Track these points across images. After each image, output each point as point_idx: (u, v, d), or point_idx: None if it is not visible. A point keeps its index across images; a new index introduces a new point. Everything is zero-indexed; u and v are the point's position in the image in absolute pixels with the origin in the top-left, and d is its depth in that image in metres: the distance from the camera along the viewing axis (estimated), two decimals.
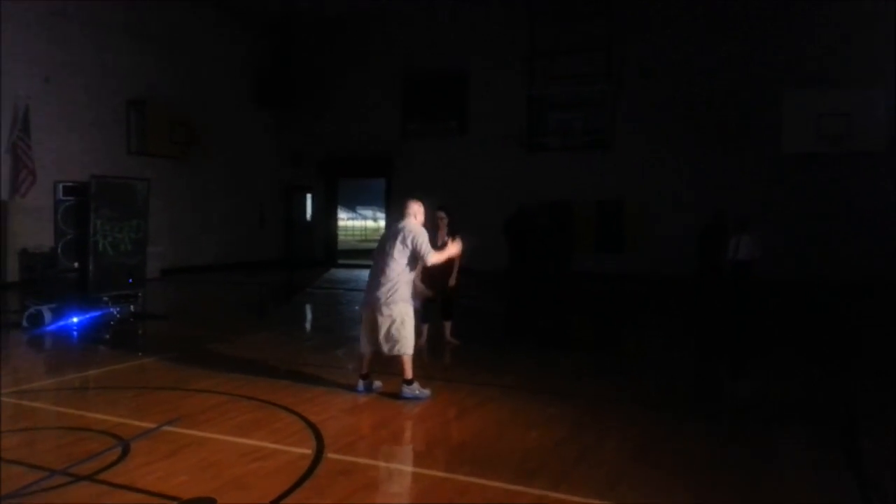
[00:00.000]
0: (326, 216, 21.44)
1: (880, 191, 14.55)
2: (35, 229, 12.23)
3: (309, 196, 21.53)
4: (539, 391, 6.62)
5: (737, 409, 6.36)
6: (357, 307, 7.27)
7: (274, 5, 18.71)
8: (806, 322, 11.64)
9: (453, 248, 6.80)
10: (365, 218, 45.37)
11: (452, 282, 8.31)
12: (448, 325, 8.83)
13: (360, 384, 6.37)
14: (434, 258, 6.23)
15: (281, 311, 12.61)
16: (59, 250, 9.73)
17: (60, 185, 9.82)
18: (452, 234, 8.62)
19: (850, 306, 12.87)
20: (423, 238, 6.18)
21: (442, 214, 8.70)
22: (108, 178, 10.34)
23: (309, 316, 12.53)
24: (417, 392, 6.14)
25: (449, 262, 8.46)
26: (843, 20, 14.94)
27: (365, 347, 6.31)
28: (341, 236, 24.91)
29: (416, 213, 6.37)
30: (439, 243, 8.52)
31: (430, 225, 8.68)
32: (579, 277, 16.37)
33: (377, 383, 6.40)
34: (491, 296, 14.38)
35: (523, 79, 15.97)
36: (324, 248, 21.16)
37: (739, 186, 15.66)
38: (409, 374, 6.18)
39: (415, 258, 6.16)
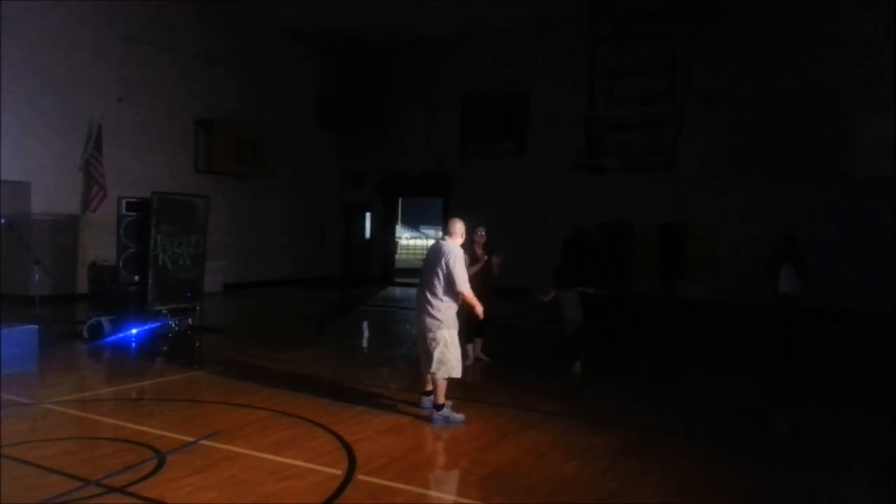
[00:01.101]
0: (385, 235, 21.61)
1: None
2: (104, 243, 12.71)
3: (368, 215, 21.76)
4: (583, 418, 6.42)
5: (792, 446, 6.01)
6: (408, 325, 7.21)
7: (339, 31, 19.09)
8: (867, 355, 10.99)
9: (474, 301, 6.33)
10: (428, 237, 45.76)
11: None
12: (479, 342, 8.73)
13: (423, 401, 6.35)
14: (465, 288, 6.05)
15: (334, 327, 12.69)
16: (120, 264, 10.03)
17: (123, 201, 10.15)
18: (489, 252, 8.59)
19: None
20: (459, 264, 6.08)
21: (482, 232, 8.65)
22: (168, 195, 10.62)
23: (360, 333, 12.58)
24: (450, 416, 6.03)
25: (485, 279, 8.39)
26: None
27: (424, 366, 6.23)
28: (405, 255, 25.08)
29: (458, 233, 6.29)
30: (480, 259, 8.49)
31: (468, 240, 8.65)
32: (638, 301, 15.96)
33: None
34: (543, 317, 14.13)
35: (583, 100, 15.74)
36: (382, 266, 21.29)
37: (806, 212, 15.02)
38: (440, 398, 6.06)
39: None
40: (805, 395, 8.18)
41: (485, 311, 8.62)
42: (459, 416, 6.05)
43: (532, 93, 18.52)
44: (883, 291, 14.04)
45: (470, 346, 8.65)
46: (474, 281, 8.14)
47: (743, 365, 10.13)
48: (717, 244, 16.19)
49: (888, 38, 14.52)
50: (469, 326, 8.51)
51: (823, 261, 13.99)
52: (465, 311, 6.91)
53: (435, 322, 6.03)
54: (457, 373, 6.06)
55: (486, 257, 8.56)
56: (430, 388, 6.33)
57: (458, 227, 6.31)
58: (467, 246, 8.51)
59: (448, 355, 6.03)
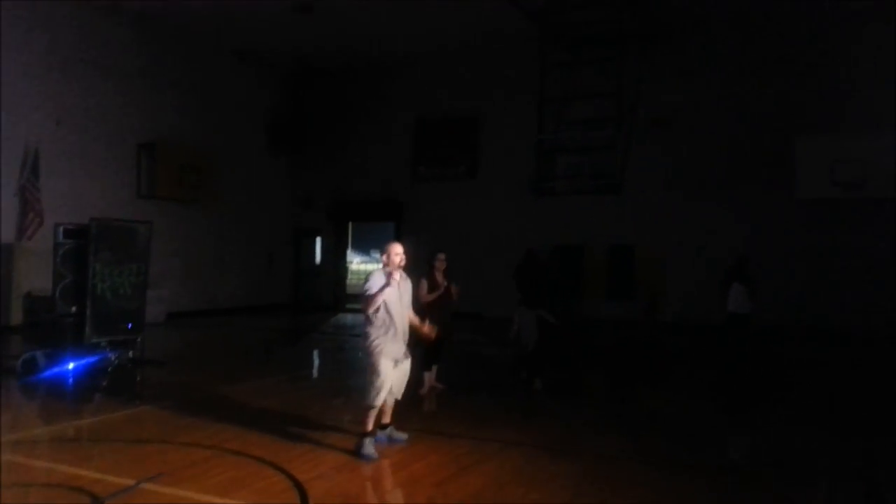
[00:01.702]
0: (335, 260, 21.30)
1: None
2: (40, 273, 12.07)
3: (318, 240, 21.43)
4: (542, 447, 6.29)
5: (749, 467, 5.99)
6: (360, 353, 6.97)
7: (288, 53, 18.88)
8: (821, 373, 11.20)
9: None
10: (378, 262, 45.37)
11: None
12: (434, 370, 8.57)
13: (378, 433, 6.11)
14: (364, 308, 5.84)
15: (283, 356, 12.35)
16: (56, 294, 9.57)
17: (61, 228, 9.71)
18: (448, 278, 8.47)
19: (865, 356, 12.43)
20: (367, 285, 5.88)
21: (442, 257, 8.52)
22: (108, 221, 10.23)
23: (311, 362, 12.26)
24: (361, 449, 5.76)
25: (444, 306, 8.27)
26: (855, 65, 14.80)
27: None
28: (355, 280, 24.71)
29: (385, 256, 6.00)
30: (440, 285, 8.34)
31: (428, 266, 8.52)
32: (589, 323, 16.04)
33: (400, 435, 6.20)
34: (497, 342, 14.04)
35: (533, 123, 15.86)
36: (332, 292, 20.95)
37: (753, 232, 15.37)
38: (364, 427, 5.88)
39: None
40: (762, 414, 8.24)
41: (445, 339, 8.52)
42: (370, 454, 5.69)
43: (483, 116, 18.60)
44: (830, 309, 14.46)
45: (426, 374, 8.48)
46: (434, 308, 8.02)
47: (696, 385, 10.20)
48: (665, 265, 16.41)
49: (826, 61, 15.08)
50: (426, 353, 8.37)
51: (771, 280, 14.31)
52: (421, 338, 6.76)
53: (363, 348, 5.94)
54: (369, 401, 5.82)
55: (446, 284, 8.43)
56: (385, 419, 6.14)
57: (388, 248, 6.01)
58: (427, 272, 8.39)
59: (367, 381, 5.85)
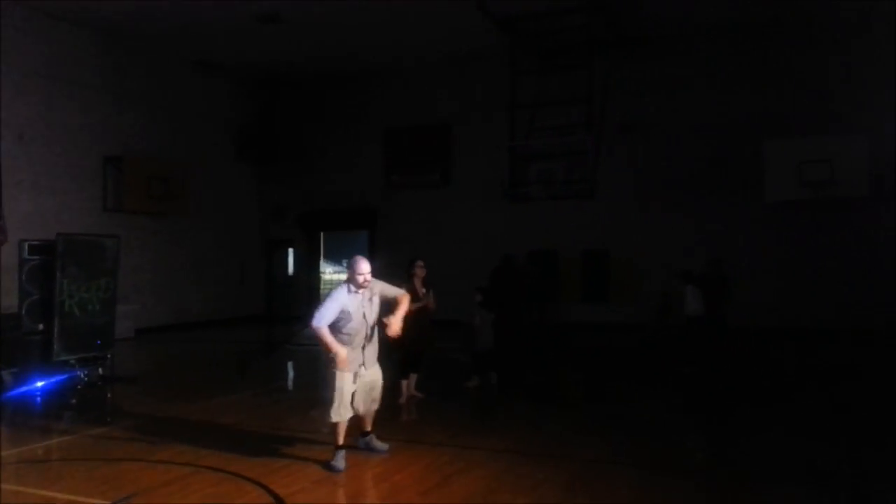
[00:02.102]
0: (308, 270, 21.09)
1: (865, 237, 14.45)
2: (6, 290, 11.71)
3: (291, 250, 21.21)
4: (527, 453, 6.23)
5: (734, 468, 5.98)
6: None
7: (255, 63, 18.69)
8: (798, 373, 11.30)
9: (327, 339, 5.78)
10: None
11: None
12: (413, 378, 8.48)
13: (359, 440, 6.08)
14: (314, 326, 5.66)
15: (257, 370, 12.13)
16: (23, 311, 9.29)
17: (26, 244, 9.43)
18: (427, 286, 8.42)
19: (836, 355, 12.59)
20: (325, 300, 5.80)
21: (420, 264, 8.46)
22: (74, 236, 9.98)
23: (285, 375, 12.07)
24: (331, 461, 5.71)
25: (423, 315, 8.19)
26: (821, 67, 15.07)
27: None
28: (327, 289, 24.51)
29: (349, 271, 5.86)
30: (420, 294, 8.27)
31: (407, 275, 8.44)
32: (565, 327, 16.06)
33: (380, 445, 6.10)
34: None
35: (505, 130, 15.88)
36: (306, 302, 20.70)
37: (724, 235, 15.54)
38: (335, 440, 5.81)
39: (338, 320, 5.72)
40: (747, 417, 8.26)
41: (424, 348, 8.44)
42: (336, 466, 5.64)
43: (455, 123, 18.58)
44: (803, 309, 14.67)
45: (404, 383, 8.38)
46: (412, 316, 7.94)
47: (670, 388, 10.22)
48: (637, 269, 16.50)
49: (791, 64, 15.34)
50: (403, 362, 8.27)
51: (744, 282, 14.48)
52: (401, 346, 6.67)
53: (324, 360, 5.86)
54: (330, 416, 5.74)
55: (424, 291, 8.36)
56: (365, 427, 6.04)
57: (353, 266, 5.83)
58: (406, 280, 8.29)
59: (331, 397, 5.74)
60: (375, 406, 6.06)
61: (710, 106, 16.02)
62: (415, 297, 8.25)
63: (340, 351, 5.65)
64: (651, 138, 16.49)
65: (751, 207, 15.48)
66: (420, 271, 8.43)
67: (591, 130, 15.16)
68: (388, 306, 6.04)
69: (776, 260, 15.22)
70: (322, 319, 5.65)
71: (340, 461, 5.67)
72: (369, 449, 6.03)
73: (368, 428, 6.10)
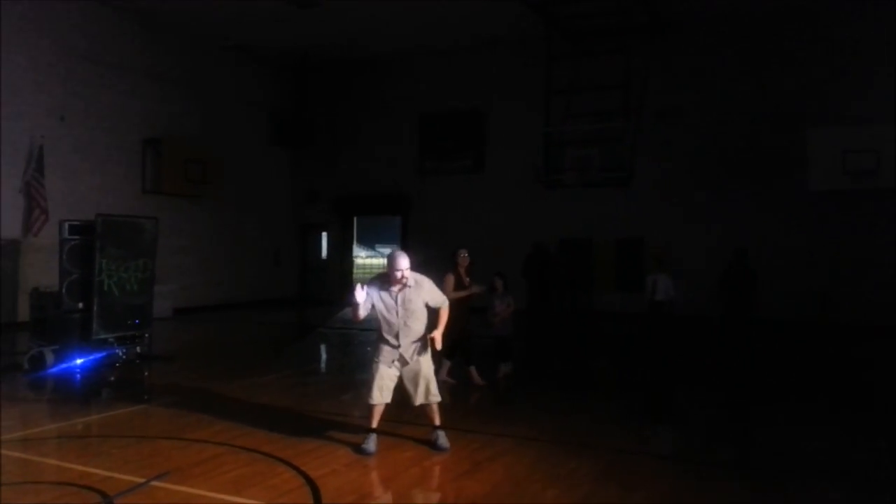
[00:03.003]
0: (341, 254, 21.22)
1: None
2: (47, 269, 12.01)
3: (324, 234, 21.36)
4: (558, 442, 6.19)
5: (773, 462, 5.87)
6: (369, 348, 6.84)
7: (290, 47, 18.77)
8: (832, 367, 11.06)
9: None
10: (384, 256, 45.20)
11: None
12: (447, 365, 8.52)
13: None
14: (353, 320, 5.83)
15: (291, 351, 12.26)
16: (63, 290, 9.48)
17: (66, 224, 9.61)
18: (471, 276, 8.41)
19: (880, 351, 12.29)
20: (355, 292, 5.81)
21: (464, 254, 8.47)
22: (113, 217, 10.13)
23: (319, 357, 12.18)
24: (362, 444, 5.76)
25: (464, 302, 8.17)
26: (866, 53, 14.63)
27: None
28: (360, 274, 24.64)
29: (390, 268, 5.79)
30: (465, 282, 8.28)
31: (452, 263, 8.43)
32: (599, 316, 15.92)
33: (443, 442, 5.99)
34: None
35: (539, 116, 15.74)
36: (339, 286, 20.86)
37: (763, 225, 15.24)
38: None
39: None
40: (779, 410, 8.12)
41: (461, 336, 8.40)
42: (364, 447, 5.69)
43: (489, 109, 18.46)
44: (840, 302, 14.34)
45: (445, 366, 8.43)
46: (454, 305, 8.00)
47: (705, 378, 10.08)
48: (672, 259, 16.25)
49: (836, 52, 14.91)
50: (452, 348, 8.31)
51: (782, 274, 14.22)
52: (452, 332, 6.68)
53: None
54: (364, 397, 5.89)
55: (469, 280, 8.37)
56: (433, 421, 6.01)
57: (392, 262, 5.78)
58: (452, 269, 8.31)
59: (368, 380, 5.88)
60: (433, 399, 5.91)
61: (750, 92, 15.67)
62: (459, 286, 8.25)
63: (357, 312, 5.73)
64: (689, 125, 16.19)
65: (790, 196, 15.15)
66: (463, 260, 8.45)
67: (629, 117, 14.95)
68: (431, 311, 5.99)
69: (816, 251, 14.87)
70: (357, 308, 5.72)
71: (370, 444, 5.70)
72: (432, 444, 5.88)
73: (435, 422, 5.97)
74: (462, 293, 8.20)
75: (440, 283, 6.62)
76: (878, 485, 5.26)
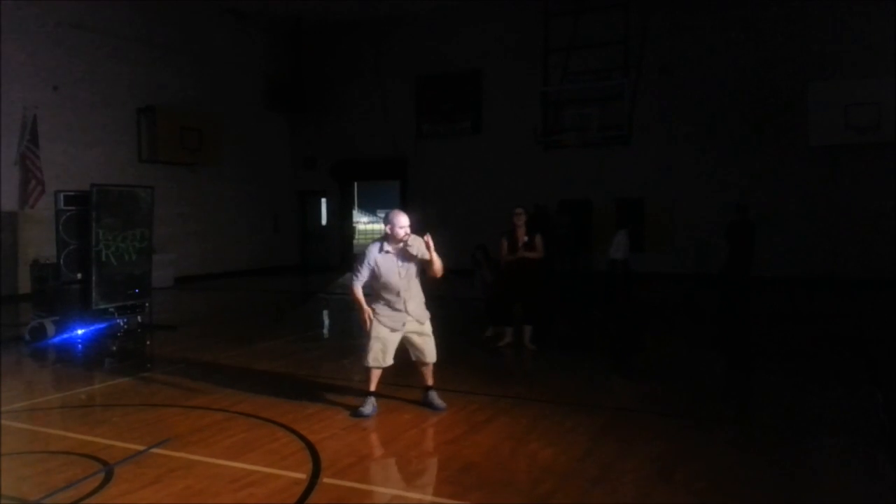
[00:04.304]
0: (341, 220, 21.16)
1: None
2: (46, 240, 11.98)
3: (324, 200, 21.27)
4: (556, 401, 6.21)
5: (765, 418, 5.89)
6: None
7: (285, 10, 18.46)
8: (831, 323, 11.06)
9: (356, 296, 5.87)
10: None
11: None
12: (528, 330, 8.52)
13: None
14: (350, 287, 5.85)
15: (292, 318, 12.29)
16: (61, 261, 9.48)
17: (61, 195, 9.58)
18: (531, 234, 8.24)
19: (881, 305, 12.28)
20: (359, 259, 5.83)
21: (519, 211, 8.34)
22: (109, 187, 10.07)
23: (320, 323, 12.21)
24: (360, 408, 5.77)
25: (528, 263, 8.19)
26: (868, 6, 14.35)
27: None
28: (362, 240, 24.63)
29: (387, 227, 5.76)
30: (519, 244, 8.19)
31: (509, 223, 8.31)
32: (599, 277, 15.91)
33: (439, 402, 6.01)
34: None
35: (538, 76, 15.52)
36: (339, 253, 20.87)
37: (764, 181, 15.13)
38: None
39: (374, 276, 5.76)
40: (766, 364, 8.14)
41: (515, 301, 8.44)
42: (362, 411, 5.70)
43: (486, 69, 18.23)
44: (843, 257, 14.30)
45: (509, 330, 8.59)
46: (508, 268, 7.96)
47: (702, 335, 10.10)
48: (673, 216, 16.21)
49: (836, 5, 14.63)
50: (488, 310, 8.59)
51: (784, 229, 14.16)
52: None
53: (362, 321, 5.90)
54: (364, 361, 5.82)
55: (526, 240, 8.22)
56: (425, 381, 6.02)
57: (392, 220, 5.73)
58: (508, 231, 8.29)
59: (367, 343, 5.82)
60: (433, 358, 5.93)
61: (751, 47, 15.44)
62: (512, 249, 8.18)
63: (364, 312, 5.76)
64: (689, 81, 15.98)
65: (792, 152, 15.02)
66: (518, 218, 8.25)
67: (628, 74, 14.74)
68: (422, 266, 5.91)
69: (818, 205, 14.80)
70: (356, 280, 5.77)
71: (368, 407, 5.72)
72: (429, 405, 5.91)
73: (429, 382, 5.99)
74: (513, 256, 8.18)
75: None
76: (871, 436, 5.28)
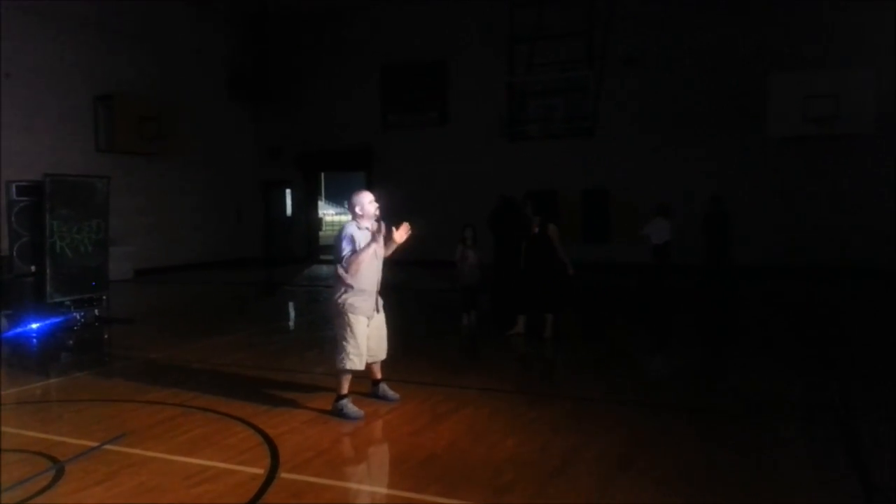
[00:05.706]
0: (307, 211, 20.93)
1: (869, 173, 14.25)
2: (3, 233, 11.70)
3: (288, 191, 21.01)
4: (520, 392, 6.22)
5: (727, 406, 5.96)
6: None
7: None
8: (794, 311, 11.26)
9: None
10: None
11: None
12: (550, 319, 8.51)
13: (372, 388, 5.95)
14: (343, 270, 5.38)
15: (254, 311, 12.13)
16: (14, 253, 9.21)
17: (14, 186, 9.29)
18: (544, 223, 8.40)
19: (841, 292, 12.54)
20: (341, 244, 5.41)
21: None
22: (63, 177, 9.81)
23: (283, 316, 12.06)
24: (343, 410, 5.44)
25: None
26: (827, 0, 14.58)
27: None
28: (329, 231, 24.42)
29: (356, 208, 5.52)
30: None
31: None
32: (564, 268, 15.97)
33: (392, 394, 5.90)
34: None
35: (503, 66, 15.48)
36: (305, 244, 20.65)
37: (727, 172, 15.32)
38: (339, 389, 5.52)
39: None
40: (732, 353, 8.25)
41: (549, 287, 8.50)
42: (355, 413, 5.42)
43: (451, 59, 18.13)
44: (803, 245, 14.57)
45: (521, 319, 8.61)
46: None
47: (669, 325, 10.21)
48: (637, 208, 16.32)
49: None
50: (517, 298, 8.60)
51: (746, 219, 14.35)
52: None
53: (333, 306, 5.51)
54: (344, 365, 5.40)
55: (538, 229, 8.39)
56: (375, 376, 5.86)
57: (354, 199, 5.53)
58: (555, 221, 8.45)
59: (341, 344, 5.44)
60: (384, 355, 5.79)
61: (713, 38, 15.56)
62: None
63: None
64: (653, 72, 16.08)
65: (755, 143, 15.20)
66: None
67: (592, 65, 14.76)
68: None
69: (779, 196, 15.04)
70: (346, 259, 5.36)
71: (352, 407, 5.45)
72: (383, 397, 5.80)
73: (378, 376, 5.88)
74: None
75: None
76: (826, 420, 5.37)
